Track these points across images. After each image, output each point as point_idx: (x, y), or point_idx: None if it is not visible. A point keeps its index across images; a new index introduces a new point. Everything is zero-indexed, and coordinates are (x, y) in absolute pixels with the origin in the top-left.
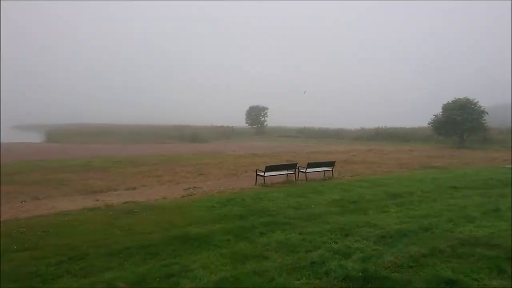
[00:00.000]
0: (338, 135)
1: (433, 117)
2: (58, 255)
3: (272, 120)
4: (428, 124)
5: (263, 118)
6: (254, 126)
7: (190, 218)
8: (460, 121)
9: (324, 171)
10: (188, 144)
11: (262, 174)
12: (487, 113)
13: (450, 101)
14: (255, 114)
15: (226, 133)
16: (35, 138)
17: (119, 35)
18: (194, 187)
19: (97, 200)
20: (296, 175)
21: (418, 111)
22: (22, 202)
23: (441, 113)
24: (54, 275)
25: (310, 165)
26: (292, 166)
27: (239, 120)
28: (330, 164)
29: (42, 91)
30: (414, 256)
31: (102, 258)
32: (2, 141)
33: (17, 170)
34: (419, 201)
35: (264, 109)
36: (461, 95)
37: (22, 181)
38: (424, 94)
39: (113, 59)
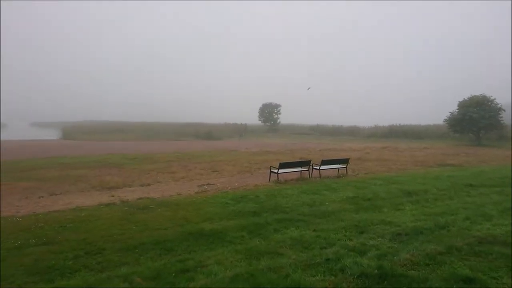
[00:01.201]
0: (351, 132)
1: (448, 114)
2: (75, 249)
3: (285, 118)
4: (444, 121)
5: (276, 116)
6: (267, 124)
7: (204, 215)
8: (476, 119)
9: (338, 168)
10: (202, 141)
11: (276, 171)
12: (504, 110)
13: (466, 98)
14: (268, 112)
15: (239, 131)
16: (52, 135)
17: (135, 35)
18: (208, 184)
19: (113, 196)
20: (310, 172)
21: (433, 108)
22: (40, 197)
23: (456, 110)
24: (71, 269)
25: (324, 162)
26: (306, 163)
27: (252, 118)
28: (344, 161)
29: (59, 90)
30: (430, 254)
31: (118, 253)
32: (20, 138)
33: (35, 166)
34: (434, 199)
35: (277, 106)
36: (477, 92)
37: (40, 177)
38: (439, 91)
39: (128, 59)
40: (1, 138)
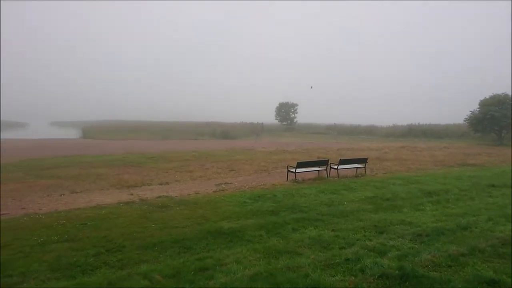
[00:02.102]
0: (369, 132)
1: (469, 113)
2: (96, 246)
3: (302, 117)
4: (464, 120)
5: (293, 115)
6: (284, 123)
7: (222, 213)
8: (498, 118)
9: (356, 168)
10: (219, 140)
11: (294, 170)
12: None
13: (487, 97)
14: (285, 111)
15: (255, 130)
16: (72, 134)
17: (154, 34)
18: (225, 183)
19: (132, 194)
20: (328, 171)
21: (453, 107)
22: (61, 195)
23: (478, 109)
24: (92, 266)
25: (342, 162)
26: (323, 162)
27: (268, 117)
28: (363, 161)
29: (78, 90)
30: (452, 255)
31: (138, 251)
32: (41, 137)
33: (56, 164)
34: (456, 199)
35: (294, 105)
36: (499, 91)
37: (61, 175)
38: (459, 90)
39: (145, 59)
40: (23, 137)
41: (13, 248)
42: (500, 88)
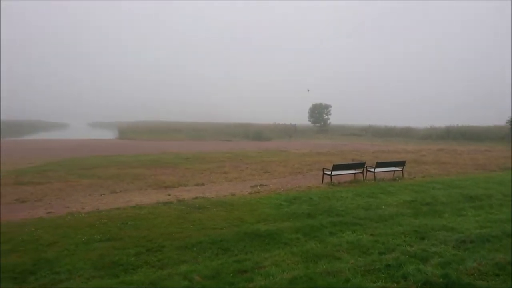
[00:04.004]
0: (405, 133)
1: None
2: (137, 246)
3: (335, 118)
4: (506, 122)
5: (326, 116)
6: (317, 124)
7: (259, 215)
8: None
9: (394, 171)
10: (252, 142)
11: (329, 172)
12: None
13: None
14: (318, 112)
15: (288, 131)
16: (109, 134)
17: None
18: (260, 185)
19: (169, 195)
20: (364, 174)
21: (494, 108)
22: (101, 195)
23: None
24: (134, 265)
25: (379, 165)
26: (360, 165)
27: (301, 118)
28: (400, 163)
29: (116, 91)
30: (499, 264)
31: (177, 251)
32: (79, 137)
33: (95, 164)
34: (499, 205)
35: (327, 106)
36: None
37: (100, 174)
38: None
39: (179, 60)
40: (64, 137)
41: (59, 246)
42: None
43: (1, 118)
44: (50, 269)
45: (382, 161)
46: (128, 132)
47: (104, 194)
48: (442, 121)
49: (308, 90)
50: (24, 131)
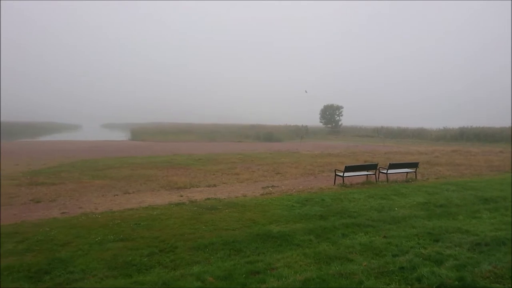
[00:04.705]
0: (418, 135)
1: None
2: (150, 246)
3: (347, 119)
4: None
5: (338, 117)
6: (329, 126)
7: (271, 217)
8: None
9: (407, 172)
10: (263, 143)
11: (341, 174)
12: None
13: None
14: (330, 113)
15: (300, 133)
16: (122, 136)
17: (198, 38)
18: (272, 186)
19: (182, 196)
20: (377, 176)
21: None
22: (114, 195)
23: None
24: (147, 265)
25: (392, 166)
26: (372, 166)
27: (312, 120)
28: (413, 165)
29: (128, 93)
30: None
31: (189, 252)
32: (93, 139)
33: (108, 165)
34: None
35: (339, 108)
36: None
37: (113, 175)
38: None
39: (190, 63)
40: (77, 139)
41: (73, 245)
42: None
43: (16, 120)
44: (65, 269)
45: (395, 162)
46: (140, 133)
47: (117, 195)
48: (455, 123)
49: (306, 92)
50: (38, 133)
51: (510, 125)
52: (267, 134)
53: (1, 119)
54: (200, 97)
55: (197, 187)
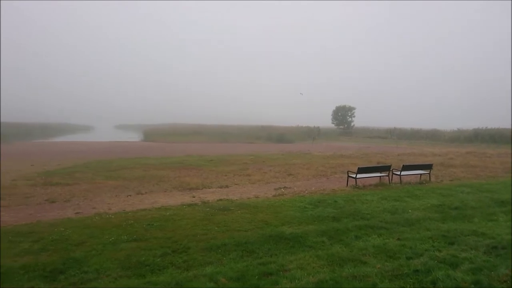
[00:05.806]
0: (431, 136)
1: None
2: (163, 247)
3: (359, 120)
4: None
5: (350, 118)
6: (341, 127)
7: (283, 218)
8: None
9: (420, 174)
10: (275, 144)
11: (354, 175)
12: None
13: None
14: (342, 114)
15: (312, 134)
16: (134, 137)
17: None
18: (284, 187)
19: (194, 197)
20: (390, 177)
21: None
22: (127, 196)
23: None
24: (160, 266)
25: (405, 168)
26: (385, 168)
27: (324, 121)
28: (427, 167)
29: (140, 95)
30: None
31: (202, 253)
32: (106, 140)
33: (121, 166)
34: None
35: (351, 109)
36: None
37: (126, 176)
38: None
39: (201, 59)
40: (90, 140)
41: (87, 245)
42: None
43: (31, 121)
44: (79, 269)
45: (408, 164)
46: (153, 134)
47: (130, 196)
48: (469, 124)
49: (301, 94)
50: (53, 134)
51: None
52: (279, 135)
53: (15, 121)
54: (209, 98)
55: (209, 188)
